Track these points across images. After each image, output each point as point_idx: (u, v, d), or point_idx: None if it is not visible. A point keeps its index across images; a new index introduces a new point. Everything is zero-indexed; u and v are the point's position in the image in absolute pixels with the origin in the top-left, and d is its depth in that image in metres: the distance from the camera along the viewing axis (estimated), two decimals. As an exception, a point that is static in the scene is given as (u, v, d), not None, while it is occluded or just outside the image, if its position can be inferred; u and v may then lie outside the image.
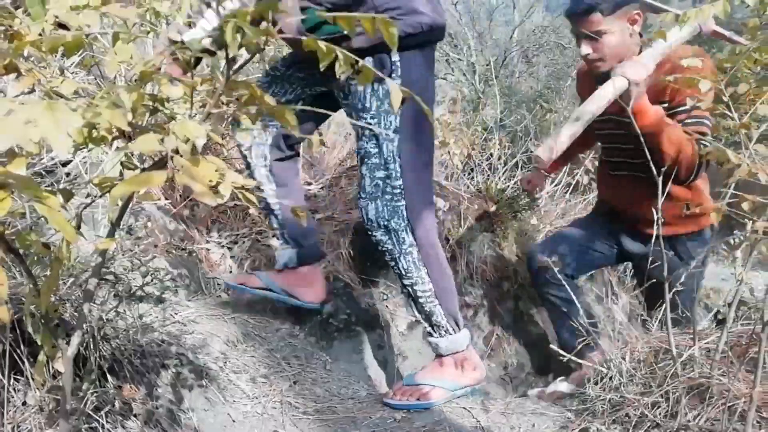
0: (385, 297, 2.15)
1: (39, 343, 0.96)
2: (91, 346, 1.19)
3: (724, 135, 1.49)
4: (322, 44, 0.73)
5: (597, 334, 1.62)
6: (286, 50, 2.09)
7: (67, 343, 0.95)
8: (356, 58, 0.71)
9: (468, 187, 3.11)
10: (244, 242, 2.12)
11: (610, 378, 1.39)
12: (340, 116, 3.72)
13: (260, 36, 0.69)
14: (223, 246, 2.09)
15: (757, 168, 0.94)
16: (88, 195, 1.58)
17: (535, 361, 2.41)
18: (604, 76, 1.58)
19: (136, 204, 1.78)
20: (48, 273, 0.99)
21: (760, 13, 1.23)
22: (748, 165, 0.96)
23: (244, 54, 0.85)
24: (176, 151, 0.66)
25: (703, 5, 1.12)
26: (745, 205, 1.06)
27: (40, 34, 0.79)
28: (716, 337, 1.30)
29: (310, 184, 2.59)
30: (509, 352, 2.31)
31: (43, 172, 1.57)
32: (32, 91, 0.87)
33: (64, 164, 1.61)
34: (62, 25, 0.83)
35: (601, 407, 1.34)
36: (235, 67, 0.81)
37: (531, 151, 3.66)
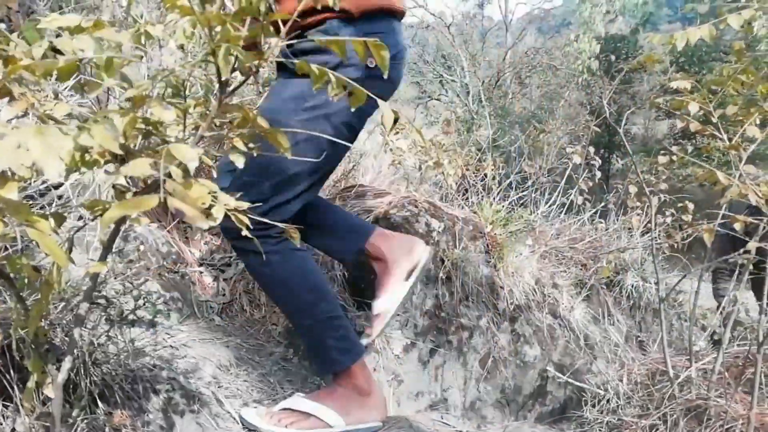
0: (380, 319, 2.13)
1: (29, 368, 0.94)
2: (82, 372, 1.17)
3: (716, 155, 1.50)
4: (315, 67, 0.73)
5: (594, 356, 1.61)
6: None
7: (58, 369, 0.94)
8: (347, 80, 0.71)
9: (462, 207, 3.11)
10: (237, 264, 2.11)
11: (608, 400, 1.38)
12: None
13: (252, 60, 0.69)
14: (216, 268, 2.08)
15: (746, 189, 0.94)
16: (80, 218, 1.57)
17: (532, 384, 2.38)
18: None
19: (128, 227, 1.77)
20: (38, 297, 0.98)
21: (747, 36, 1.25)
22: (738, 186, 0.96)
23: (238, 76, 0.86)
24: (169, 175, 0.66)
25: (690, 28, 1.14)
26: (737, 226, 1.06)
27: (34, 58, 0.79)
28: (712, 358, 1.29)
29: (304, 205, 2.58)
30: (506, 375, 2.29)
31: (35, 195, 1.57)
32: (26, 114, 0.87)
33: (56, 187, 1.60)
34: (57, 50, 0.83)
35: (599, 430, 1.32)
36: (229, 90, 0.81)
37: (524, 171, 3.69)
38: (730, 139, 1.24)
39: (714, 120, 1.35)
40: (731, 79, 1.26)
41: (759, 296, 1.53)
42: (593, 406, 1.40)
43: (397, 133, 3.48)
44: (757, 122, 1.26)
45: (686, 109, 1.27)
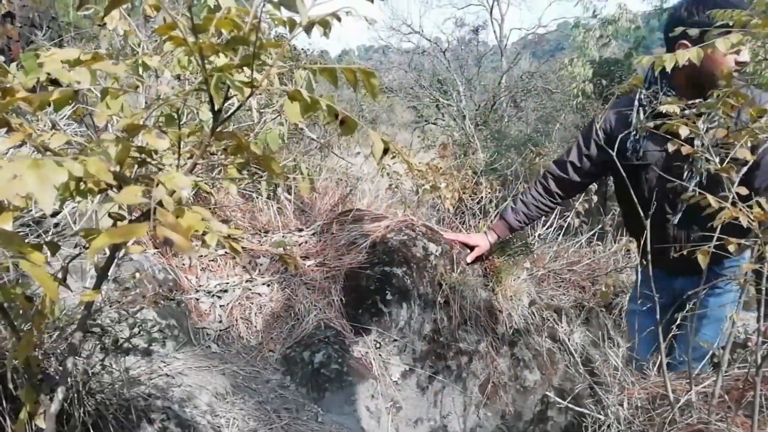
0: (377, 345, 2.11)
1: (21, 398, 0.93)
2: (75, 402, 1.15)
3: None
4: (306, 95, 0.74)
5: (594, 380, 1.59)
6: (275, 98, 2.13)
7: (51, 399, 0.93)
8: (339, 109, 0.72)
9: (460, 230, 3.12)
10: (234, 290, 2.10)
11: (608, 426, 1.36)
12: (330, 162, 3.77)
13: (244, 88, 0.70)
14: (213, 295, 2.07)
15: (737, 212, 0.95)
16: (76, 245, 1.57)
17: (533, 409, 2.35)
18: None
19: (124, 254, 1.77)
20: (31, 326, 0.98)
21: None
22: (729, 209, 0.97)
23: (235, 102, 0.87)
24: (161, 203, 0.66)
25: (679, 51, 1.16)
26: (731, 247, 1.06)
27: (31, 90, 0.81)
28: (712, 381, 1.28)
29: (301, 230, 2.59)
30: (506, 400, 2.26)
31: (32, 223, 1.57)
32: (23, 144, 0.88)
33: (54, 214, 1.60)
34: (54, 81, 0.85)
35: (600, 456, 1.30)
36: (222, 117, 0.82)
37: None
38: (721, 162, 1.25)
39: (705, 142, 1.37)
40: (721, 102, 1.28)
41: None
42: (594, 431, 1.38)
43: (394, 157, 3.51)
44: (748, 145, 1.27)
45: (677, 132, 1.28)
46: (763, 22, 1.18)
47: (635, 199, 1.79)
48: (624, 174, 1.70)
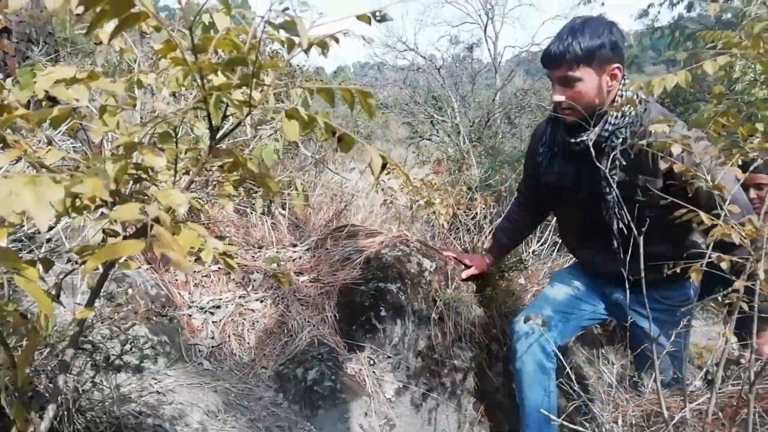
0: (371, 362, 2.10)
1: (11, 416, 0.92)
2: (66, 420, 1.14)
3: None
4: (303, 113, 0.75)
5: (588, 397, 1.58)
6: (271, 114, 2.14)
7: (41, 417, 0.92)
8: (336, 126, 0.73)
9: (454, 246, 3.12)
10: (227, 306, 2.09)
11: (603, 443, 1.36)
12: (325, 177, 3.77)
13: (242, 107, 0.71)
14: (205, 311, 2.06)
15: (730, 229, 0.96)
16: (68, 261, 1.56)
17: (527, 426, 2.33)
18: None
19: (117, 270, 1.76)
20: (24, 343, 0.97)
21: (724, 81, 1.29)
22: (722, 226, 0.98)
23: (231, 120, 0.88)
24: (157, 220, 0.66)
25: (667, 74, 1.18)
26: (723, 265, 1.07)
27: (26, 105, 0.81)
28: (707, 399, 1.28)
29: (295, 245, 2.58)
30: (500, 418, 2.25)
31: (24, 238, 1.56)
32: (18, 160, 0.87)
33: (48, 229, 1.59)
34: (52, 98, 0.85)
35: (595, 475, 1.30)
36: (219, 135, 0.83)
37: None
38: (713, 180, 1.27)
39: (697, 161, 1.38)
40: (712, 122, 1.30)
41: (742, 335, 1.55)
42: (589, 450, 1.38)
43: (388, 173, 3.52)
44: (740, 163, 1.29)
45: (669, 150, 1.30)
46: (753, 44, 1.21)
47: (561, 216, 1.93)
48: (546, 191, 1.82)
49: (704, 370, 1.79)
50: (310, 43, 0.64)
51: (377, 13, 0.65)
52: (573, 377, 1.61)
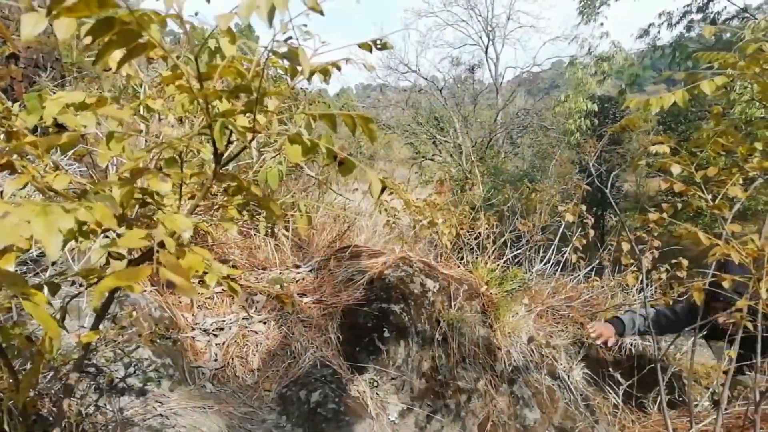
0: (375, 384, 2.09)
1: (13, 441, 0.92)
2: (68, 444, 1.14)
3: (708, 212, 1.53)
4: (306, 138, 0.76)
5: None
6: (274, 137, 2.16)
7: (43, 442, 0.92)
8: (337, 151, 0.74)
9: (457, 266, 3.12)
10: (230, 328, 2.09)
11: (609, 466, 1.34)
12: (329, 198, 3.78)
13: (246, 134, 0.72)
14: (209, 333, 2.05)
15: (730, 249, 0.96)
16: (73, 283, 1.57)
17: (533, 448, 2.30)
18: None
19: (122, 293, 1.76)
20: (29, 366, 0.97)
21: (721, 101, 1.31)
22: (721, 245, 0.98)
23: (235, 142, 0.89)
24: (162, 244, 0.67)
25: (665, 93, 1.20)
26: (725, 284, 1.07)
27: (34, 132, 0.83)
28: (713, 419, 1.27)
29: (298, 266, 2.59)
30: (506, 439, 2.22)
31: (29, 261, 1.57)
32: (26, 185, 0.89)
33: (53, 253, 1.60)
34: (60, 124, 0.87)
35: (602, 499, 1.28)
36: (224, 159, 0.84)
37: (518, 230, 3.72)
38: (714, 199, 1.28)
39: (697, 180, 1.39)
40: (711, 141, 1.31)
41: (746, 356, 1.53)
42: (595, 472, 1.36)
43: (391, 193, 3.54)
44: (740, 182, 1.30)
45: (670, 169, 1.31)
46: (748, 65, 1.22)
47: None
48: None
49: (710, 390, 1.78)
50: (312, 71, 0.66)
51: (378, 42, 0.67)
52: (579, 398, 1.60)
